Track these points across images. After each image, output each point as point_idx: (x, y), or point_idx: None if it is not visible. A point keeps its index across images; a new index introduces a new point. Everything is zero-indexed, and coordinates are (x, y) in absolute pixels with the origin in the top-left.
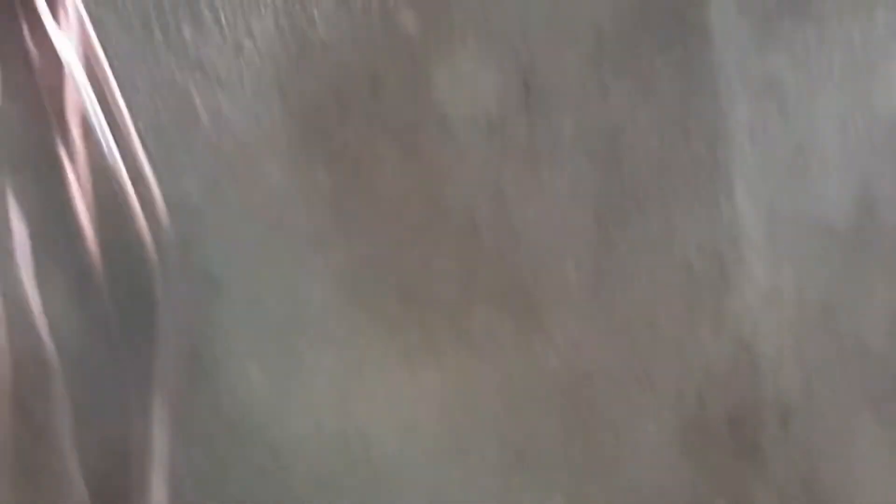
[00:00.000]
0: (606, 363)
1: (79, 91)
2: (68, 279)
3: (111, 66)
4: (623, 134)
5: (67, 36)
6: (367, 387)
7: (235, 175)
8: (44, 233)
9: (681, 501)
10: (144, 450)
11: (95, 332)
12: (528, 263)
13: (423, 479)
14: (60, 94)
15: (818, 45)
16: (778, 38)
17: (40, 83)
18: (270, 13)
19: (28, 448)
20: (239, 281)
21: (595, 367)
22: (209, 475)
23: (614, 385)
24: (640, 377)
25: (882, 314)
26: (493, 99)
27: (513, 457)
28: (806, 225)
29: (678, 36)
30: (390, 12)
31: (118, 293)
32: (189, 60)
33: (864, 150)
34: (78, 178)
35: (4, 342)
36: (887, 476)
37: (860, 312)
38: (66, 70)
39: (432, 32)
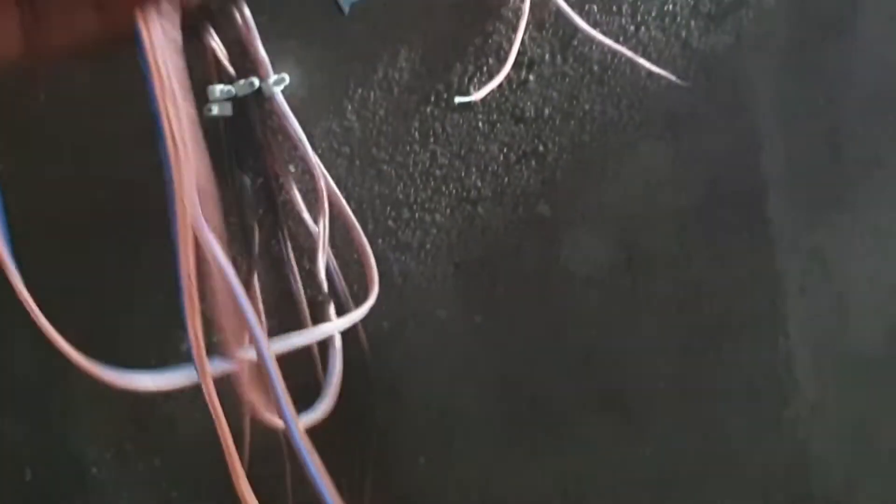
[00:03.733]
0: (688, 459)
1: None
2: None
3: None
4: (703, 289)
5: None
6: (505, 475)
7: (415, 315)
8: None
9: None
10: None
11: None
12: (629, 381)
13: None
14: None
15: (853, 226)
16: (821, 221)
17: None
18: (446, 204)
19: None
20: (413, 392)
21: (679, 462)
22: None
23: (694, 475)
24: (713, 474)
25: None
26: (604, 263)
27: None
28: (846, 355)
29: (745, 219)
30: (532, 204)
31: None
32: (388, 237)
33: (892, 298)
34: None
35: None
36: None
37: (892, 425)
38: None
39: (561, 216)
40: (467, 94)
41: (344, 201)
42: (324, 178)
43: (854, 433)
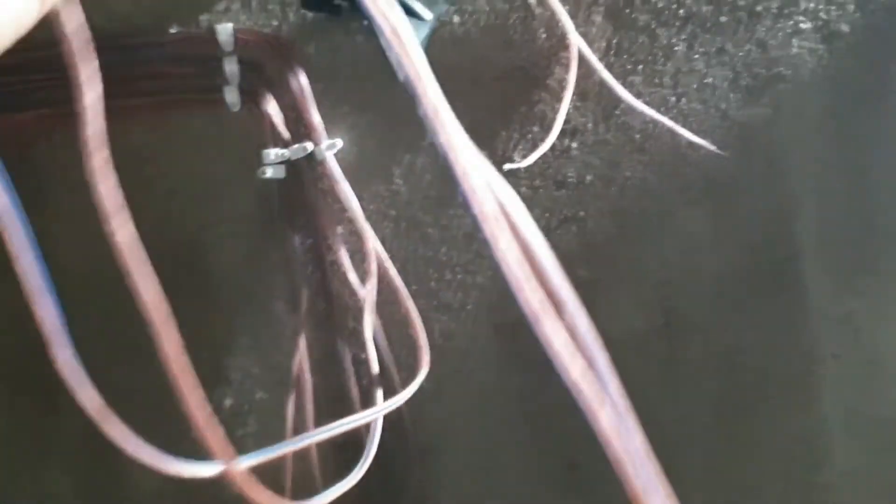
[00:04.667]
0: None
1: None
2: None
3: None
4: (738, 353)
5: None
6: None
7: (455, 375)
8: None
9: None
10: None
11: None
12: (665, 447)
13: None
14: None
15: (884, 293)
16: (853, 288)
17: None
18: (488, 267)
19: None
20: (454, 451)
21: None
22: None
23: None
24: None
25: None
26: (641, 324)
27: None
28: (876, 421)
29: (779, 284)
30: (571, 267)
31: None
32: (430, 298)
33: None
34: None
35: None
36: None
37: None
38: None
39: (600, 279)
40: (512, 160)
41: (390, 263)
42: (371, 240)
43: (884, 499)
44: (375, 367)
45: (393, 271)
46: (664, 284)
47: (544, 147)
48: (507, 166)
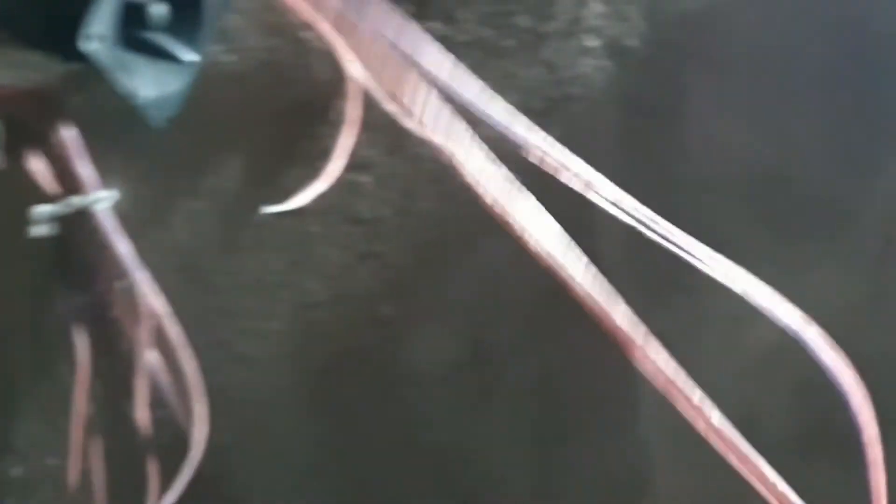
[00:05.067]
0: None
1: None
2: None
3: None
4: (552, 378)
5: None
6: None
7: (258, 427)
8: None
9: None
10: None
11: None
12: (487, 483)
13: None
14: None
15: (696, 309)
16: (664, 305)
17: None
18: (283, 312)
19: None
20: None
21: None
22: None
23: None
24: None
25: None
26: (451, 357)
27: None
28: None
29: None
30: (373, 305)
31: None
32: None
33: (743, 381)
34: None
35: None
36: None
37: None
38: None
39: (404, 315)
40: (298, 199)
41: (166, 319)
42: (147, 296)
43: None
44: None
45: (171, 329)
46: (471, 314)
47: (323, 183)
48: (271, 208)
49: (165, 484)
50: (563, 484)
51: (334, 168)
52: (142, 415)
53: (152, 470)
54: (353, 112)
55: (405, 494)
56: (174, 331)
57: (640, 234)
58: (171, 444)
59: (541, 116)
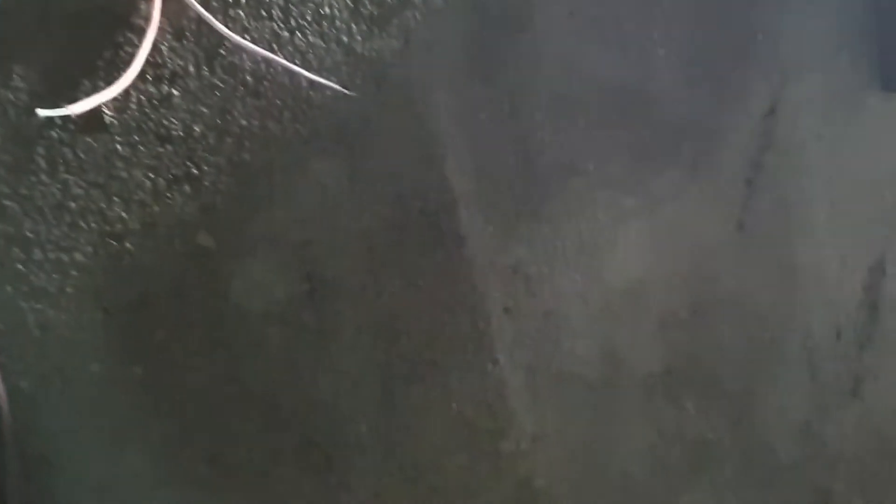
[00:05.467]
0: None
1: None
2: None
3: None
4: (398, 318)
5: None
6: None
7: (62, 371)
8: None
9: None
10: None
11: None
12: (326, 427)
13: None
14: None
15: (553, 239)
16: (519, 236)
17: None
18: (87, 241)
19: None
20: (69, 460)
21: None
22: None
23: None
24: None
25: (639, 447)
26: (283, 296)
27: None
28: (562, 379)
29: (436, 238)
30: (191, 235)
31: None
32: (18, 282)
33: (604, 315)
34: None
35: None
36: None
37: (620, 449)
38: None
39: (227, 247)
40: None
41: None
42: None
43: (580, 461)
44: None
45: None
46: (304, 246)
47: (111, 91)
48: (43, 112)
49: None
50: (411, 427)
51: (130, 75)
52: None
53: None
54: (157, 14)
55: (235, 444)
56: None
57: None
58: None
59: (374, 24)
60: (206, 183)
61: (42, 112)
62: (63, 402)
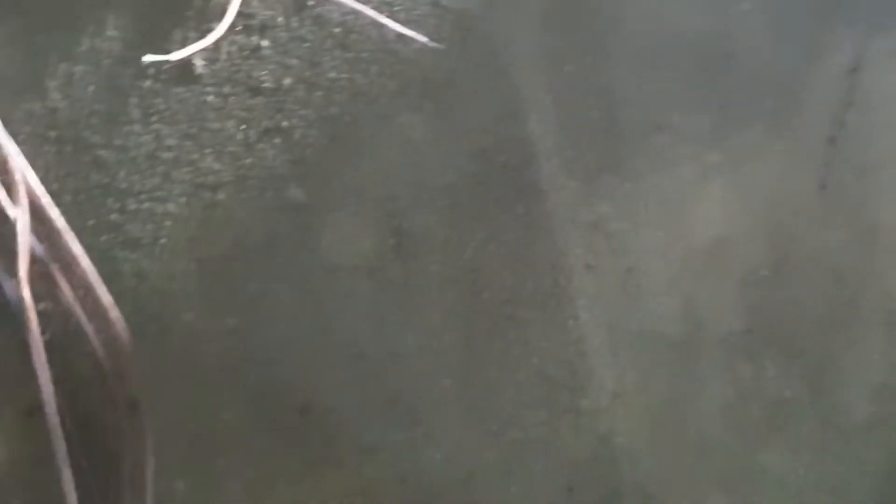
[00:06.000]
0: (485, 461)
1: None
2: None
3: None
4: (481, 272)
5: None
6: (278, 495)
7: (157, 320)
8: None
9: None
10: None
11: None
12: (411, 381)
13: None
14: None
15: (635, 195)
16: (601, 191)
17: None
18: (180, 192)
19: None
20: (164, 408)
21: (476, 464)
22: None
23: (494, 480)
24: (514, 471)
25: (717, 406)
26: (371, 249)
27: None
28: (642, 336)
29: (518, 193)
30: (281, 188)
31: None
32: (113, 232)
33: (685, 272)
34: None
35: None
36: None
37: (699, 407)
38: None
39: (316, 200)
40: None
41: (45, 199)
42: (19, 171)
43: (659, 419)
44: (33, 325)
45: (50, 206)
46: (390, 200)
47: (209, 39)
48: (149, 58)
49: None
50: (493, 382)
51: (223, 25)
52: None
53: (38, 360)
54: None
55: (324, 394)
56: (55, 212)
57: None
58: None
59: None
60: (296, 136)
61: (146, 58)
62: (157, 352)
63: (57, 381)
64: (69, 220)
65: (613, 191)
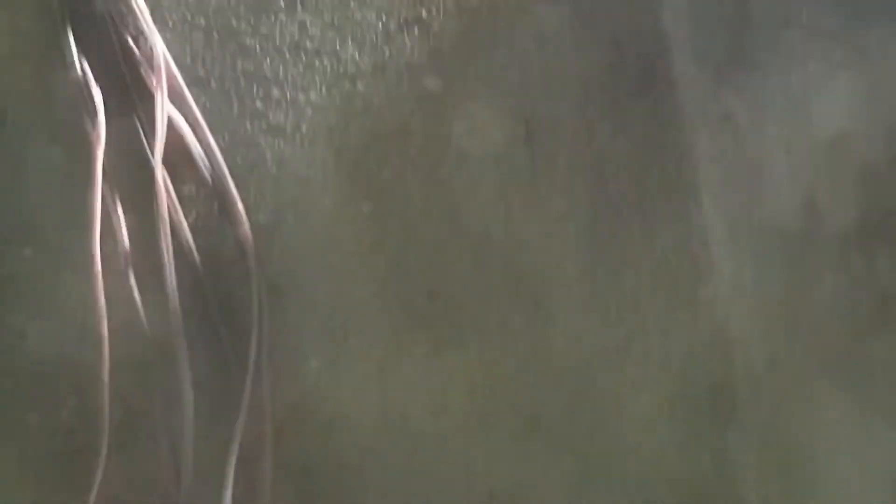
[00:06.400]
0: (604, 345)
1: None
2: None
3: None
4: (608, 162)
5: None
6: (405, 374)
7: (296, 205)
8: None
9: (671, 461)
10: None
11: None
12: (534, 267)
13: (453, 449)
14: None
15: (763, 89)
16: (730, 84)
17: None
18: (321, 81)
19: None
20: (300, 289)
21: (595, 348)
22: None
23: (611, 363)
24: (632, 356)
25: (830, 298)
26: (501, 139)
27: (529, 426)
28: (762, 228)
29: (648, 84)
30: (417, 77)
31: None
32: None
33: (807, 166)
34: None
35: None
36: (843, 427)
37: (812, 298)
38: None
39: (450, 89)
40: None
41: (184, 87)
42: (164, 56)
43: (774, 310)
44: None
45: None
46: (522, 90)
47: None
48: None
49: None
50: (615, 269)
51: None
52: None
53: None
54: None
55: (451, 279)
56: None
57: None
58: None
59: None
60: (434, 26)
61: None
62: (295, 235)
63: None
64: (215, 107)
65: (742, 85)
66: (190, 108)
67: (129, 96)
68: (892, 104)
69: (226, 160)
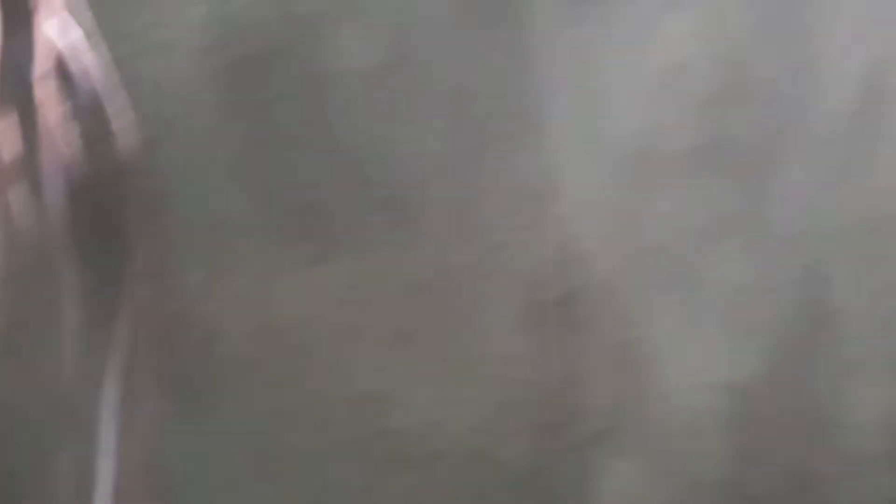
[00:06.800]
0: (466, 261)
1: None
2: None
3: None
4: (467, 88)
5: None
6: (281, 286)
7: (174, 121)
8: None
9: (526, 366)
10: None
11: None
12: (400, 185)
13: (327, 357)
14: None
15: (608, 18)
16: (577, 14)
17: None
18: (199, 3)
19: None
20: (180, 204)
21: (457, 264)
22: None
23: (472, 277)
24: (490, 270)
25: (669, 216)
26: (371, 60)
27: (397, 336)
28: (607, 152)
29: (507, 12)
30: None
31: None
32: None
33: (650, 93)
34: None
35: None
36: (679, 335)
37: (653, 216)
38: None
39: (321, 11)
40: None
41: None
42: None
43: (619, 228)
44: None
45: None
46: (394, 15)
47: None
48: None
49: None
50: (478, 189)
51: None
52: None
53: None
54: None
55: (325, 196)
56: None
57: None
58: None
59: None
60: None
61: None
62: (174, 150)
63: (83, 178)
64: (97, 23)
65: (588, 15)
66: (72, 24)
67: (13, 11)
68: (733, 34)
69: (108, 77)
